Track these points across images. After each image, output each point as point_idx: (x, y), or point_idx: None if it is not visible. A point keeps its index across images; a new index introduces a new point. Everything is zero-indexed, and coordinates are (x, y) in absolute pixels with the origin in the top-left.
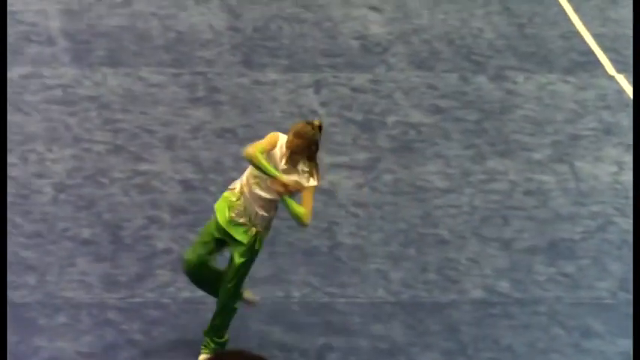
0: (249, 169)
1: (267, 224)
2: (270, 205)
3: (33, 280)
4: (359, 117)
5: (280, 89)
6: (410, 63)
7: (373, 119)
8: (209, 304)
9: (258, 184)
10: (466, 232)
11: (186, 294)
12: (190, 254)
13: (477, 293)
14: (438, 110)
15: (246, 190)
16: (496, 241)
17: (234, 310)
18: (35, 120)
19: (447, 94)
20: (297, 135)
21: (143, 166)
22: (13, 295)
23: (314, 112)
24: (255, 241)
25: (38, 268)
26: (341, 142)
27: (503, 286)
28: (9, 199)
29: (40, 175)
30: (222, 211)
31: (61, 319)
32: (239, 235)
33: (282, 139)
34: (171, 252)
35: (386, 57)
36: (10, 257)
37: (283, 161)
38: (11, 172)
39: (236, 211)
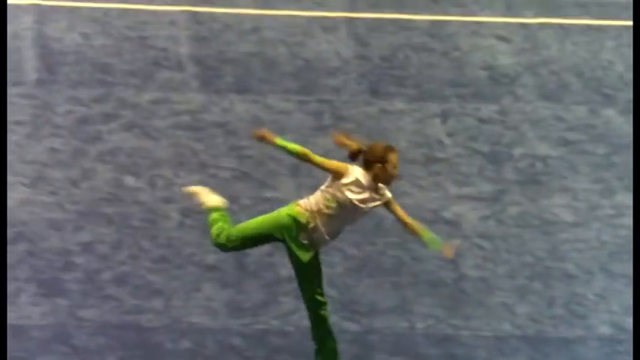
0: (321, 195)
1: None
2: (338, 230)
3: (159, 305)
4: (485, 148)
5: (407, 118)
6: (538, 94)
7: (500, 150)
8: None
9: (330, 208)
10: (593, 267)
11: (307, 322)
12: (235, 234)
13: (604, 329)
14: (565, 143)
15: (318, 217)
16: (624, 276)
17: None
18: (163, 145)
19: (575, 126)
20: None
21: (268, 193)
22: (140, 318)
23: (440, 142)
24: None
25: (165, 292)
26: (467, 173)
27: (631, 322)
28: (136, 223)
29: (167, 200)
30: (289, 229)
31: (187, 344)
32: (302, 254)
33: (355, 172)
34: (294, 280)
35: (514, 88)
36: (138, 281)
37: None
38: (139, 196)
39: (303, 234)
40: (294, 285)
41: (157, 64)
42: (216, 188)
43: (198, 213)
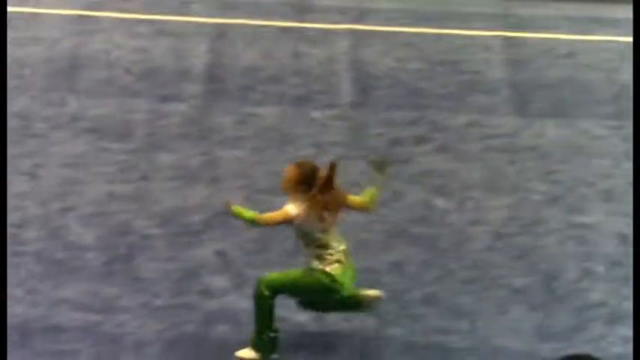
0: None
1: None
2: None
3: (466, 326)
4: None
5: None
6: None
7: None
8: None
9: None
10: None
11: (618, 349)
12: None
13: None
14: None
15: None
16: None
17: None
18: (474, 167)
19: None
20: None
21: (579, 218)
22: (446, 339)
23: None
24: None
25: (471, 314)
26: None
27: None
28: (445, 244)
29: (476, 223)
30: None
31: None
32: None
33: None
34: (605, 305)
35: None
36: (445, 302)
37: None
38: (449, 218)
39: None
40: (604, 311)
41: (471, 87)
42: (525, 211)
43: (508, 236)
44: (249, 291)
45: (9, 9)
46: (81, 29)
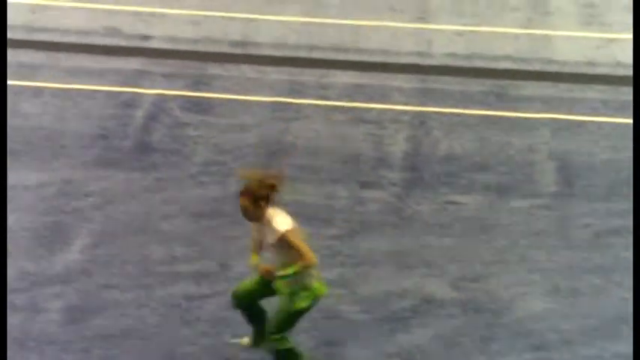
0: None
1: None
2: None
3: None
4: None
5: None
6: None
7: None
8: None
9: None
10: None
11: None
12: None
13: None
14: None
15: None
16: None
17: None
18: None
19: None
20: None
21: None
22: None
23: None
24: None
25: None
26: None
27: None
28: None
29: None
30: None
31: None
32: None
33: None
34: None
35: None
36: None
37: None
38: None
39: None
40: None
41: None
42: None
43: None
44: None
45: (212, 95)
46: (282, 116)
